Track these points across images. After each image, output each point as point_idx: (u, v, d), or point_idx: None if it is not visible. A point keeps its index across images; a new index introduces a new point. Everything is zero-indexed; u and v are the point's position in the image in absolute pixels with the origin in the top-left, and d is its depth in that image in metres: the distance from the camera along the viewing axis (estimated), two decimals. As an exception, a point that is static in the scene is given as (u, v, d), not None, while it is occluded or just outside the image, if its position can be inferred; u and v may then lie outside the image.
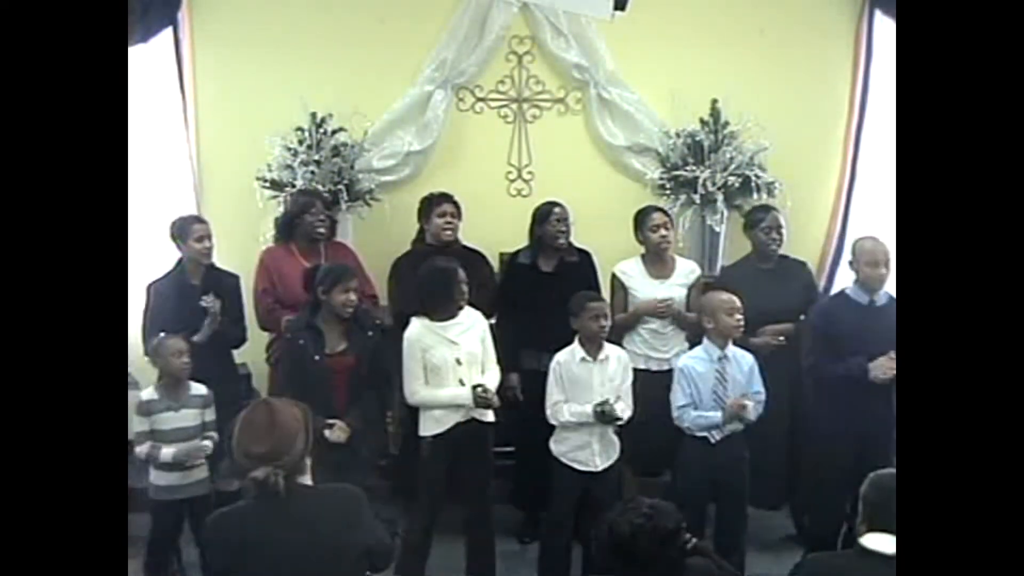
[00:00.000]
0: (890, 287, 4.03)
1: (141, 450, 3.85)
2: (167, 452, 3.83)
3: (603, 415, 3.81)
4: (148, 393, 3.91)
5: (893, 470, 2.54)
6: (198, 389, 3.96)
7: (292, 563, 2.37)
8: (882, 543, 2.45)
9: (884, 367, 3.86)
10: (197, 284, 4.27)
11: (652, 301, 4.38)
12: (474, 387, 3.81)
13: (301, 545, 2.37)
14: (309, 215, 4.39)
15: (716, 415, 3.84)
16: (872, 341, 3.88)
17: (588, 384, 3.89)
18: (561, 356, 3.94)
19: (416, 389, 3.86)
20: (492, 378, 3.94)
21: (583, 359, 3.90)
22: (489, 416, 3.91)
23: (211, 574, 2.53)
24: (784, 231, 4.48)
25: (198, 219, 4.38)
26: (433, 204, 4.50)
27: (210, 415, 3.96)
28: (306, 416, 2.52)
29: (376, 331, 3.93)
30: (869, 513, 2.53)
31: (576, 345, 3.92)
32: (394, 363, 3.93)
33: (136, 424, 3.84)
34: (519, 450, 4.49)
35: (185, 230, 4.27)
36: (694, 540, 2.64)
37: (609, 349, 3.95)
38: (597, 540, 2.53)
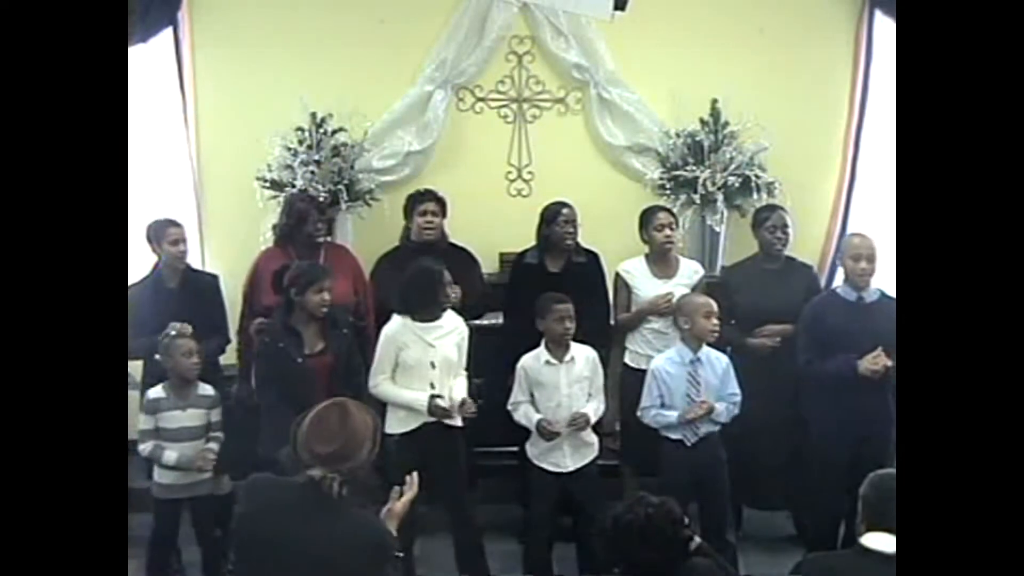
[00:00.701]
0: (880, 284, 4.06)
1: (144, 448, 3.85)
2: (170, 455, 3.84)
3: (545, 433, 3.88)
4: (155, 391, 3.92)
5: (892, 470, 2.55)
6: (205, 389, 3.96)
7: (299, 561, 2.33)
8: (882, 542, 2.45)
9: (871, 362, 3.86)
10: (174, 287, 4.26)
11: (655, 299, 4.39)
12: (431, 396, 3.81)
13: (312, 549, 2.33)
14: (307, 225, 4.33)
15: (672, 414, 3.89)
16: (861, 338, 3.91)
17: (555, 385, 3.93)
18: (526, 360, 3.98)
19: (379, 382, 3.88)
20: (459, 386, 3.93)
21: (547, 361, 3.94)
22: (456, 420, 3.89)
23: (230, 530, 2.49)
24: (790, 230, 4.48)
25: (173, 222, 4.34)
26: (415, 202, 4.50)
27: (216, 415, 3.97)
28: (376, 425, 2.48)
29: (350, 328, 3.94)
30: (869, 513, 2.54)
31: (542, 348, 3.96)
32: (356, 358, 3.95)
33: (141, 422, 3.85)
34: (522, 450, 4.48)
35: (160, 233, 4.24)
36: (697, 539, 2.66)
37: (576, 349, 3.97)
38: (603, 534, 2.54)
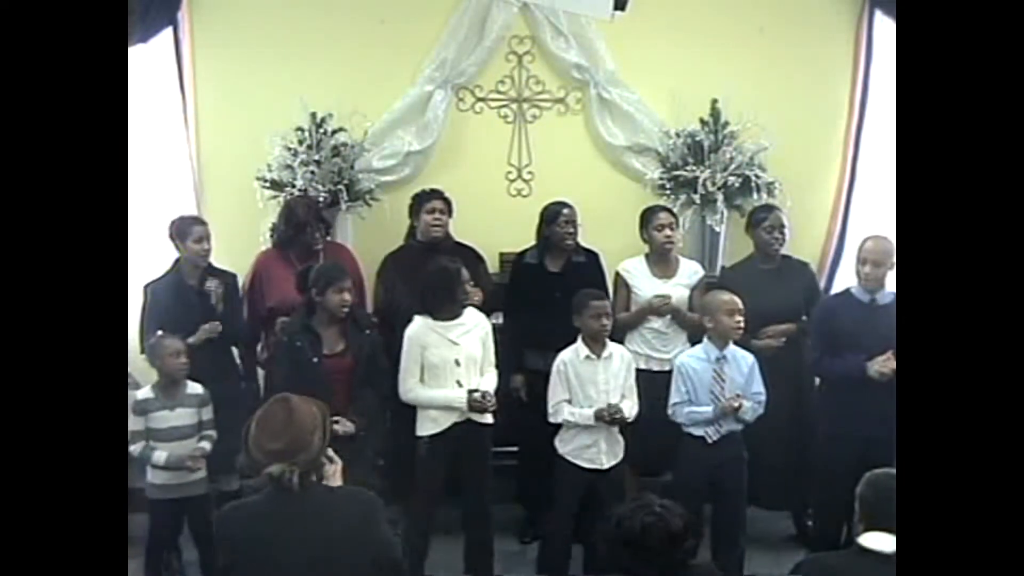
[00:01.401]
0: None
1: (134, 449, 3.86)
2: (159, 455, 3.85)
3: (607, 418, 3.85)
4: (144, 392, 3.93)
5: (889, 470, 2.55)
6: (194, 388, 3.96)
7: (297, 562, 2.36)
8: (880, 542, 2.45)
9: (882, 365, 3.86)
10: (194, 285, 4.26)
11: (652, 299, 4.38)
12: (470, 391, 3.82)
13: (307, 545, 2.36)
14: (305, 235, 4.33)
15: (708, 409, 3.88)
16: (871, 339, 3.89)
17: (593, 381, 3.92)
18: (565, 355, 3.96)
19: (411, 387, 3.87)
20: (490, 382, 3.95)
21: (587, 357, 3.93)
22: (487, 418, 3.91)
23: (219, 568, 2.52)
24: (787, 230, 4.49)
25: (198, 220, 4.37)
26: (422, 201, 4.50)
27: (207, 414, 3.97)
28: (324, 414, 2.53)
29: (374, 330, 3.94)
30: (866, 512, 2.54)
31: (580, 343, 3.95)
32: (381, 359, 3.94)
33: (132, 423, 3.85)
34: (523, 450, 4.49)
35: (185, 231, 4.25)
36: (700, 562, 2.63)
37: (612, 347, 3.98)
38: (603, 534, 2.53)
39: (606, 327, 3.92)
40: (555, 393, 3.96)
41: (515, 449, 4.46)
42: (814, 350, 4.13)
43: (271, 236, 4.53)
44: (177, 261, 4.30)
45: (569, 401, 3.94)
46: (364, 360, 3.84)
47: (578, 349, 3.95)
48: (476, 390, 3.82)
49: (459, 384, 3.85)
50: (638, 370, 4.33)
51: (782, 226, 4.47)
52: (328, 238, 4.55)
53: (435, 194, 4.51)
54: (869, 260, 3.97)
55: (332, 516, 2.42)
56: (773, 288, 4.39)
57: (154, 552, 3.98)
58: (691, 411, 3.91)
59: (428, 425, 3.88)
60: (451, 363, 3.85)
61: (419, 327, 3.87)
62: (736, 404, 3.84)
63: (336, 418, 3.64)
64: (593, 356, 3.93)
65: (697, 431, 3.92)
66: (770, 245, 4.47)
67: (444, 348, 3.85)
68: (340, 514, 2.43)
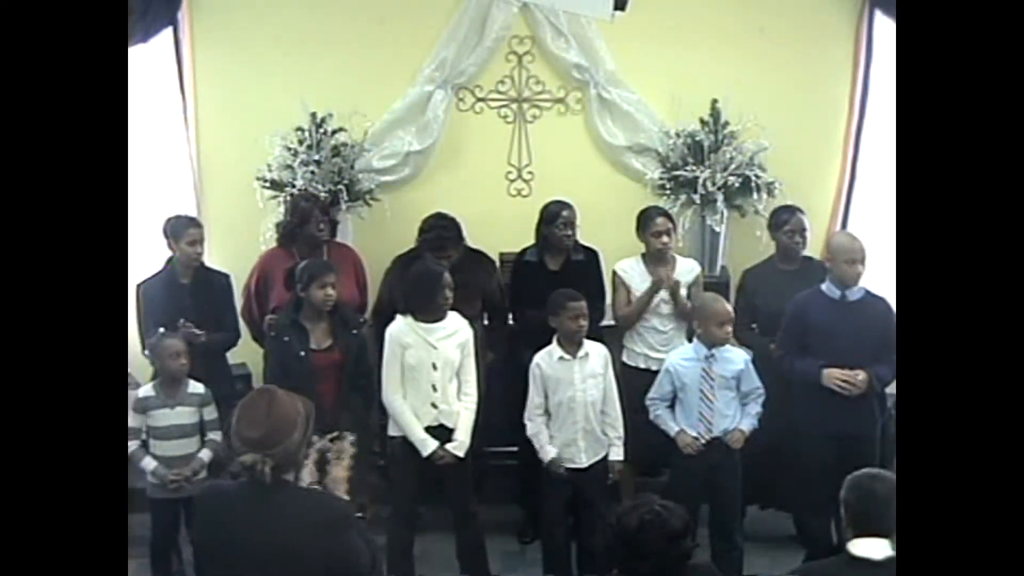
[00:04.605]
0: (868, 283, 4.06)
1: (130, 446, 3.85)
2: (148, 462, 3.88)
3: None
4: (145, 390, 3.95)
5: (871, 471, 2.56)
6: (196, 388, 3.97)
7: (259, 553, 2.37)
8: (871, 549, 2.44)
9: (833, 378, 3.91)
10: (187, 283, 4.28)
11: (659, 280, 4.38)
12: (440, 446, 3.84)
13: (269, 540, 2.36)
14: (309, 224, 4.35)
15: (673, 426, 3.98)
16: (842, 336, 3.92)
17: (569, 382, 3.94)
18: (540, 356, 3.99)
19: (392, 393, 3.88)
20: (468, 406, 3.94)
21: (561, 358, 3.95)
22: (459, 452, 3.91)
23: (194, 542, 2.54)
24: (808, 233, 4.49)
25: (193, 222, 4.37)
26: (429, 237, 4.32)
27: (210, 414, 3.98)
28: (308, 411, 2.51)
29: (361, 329, 3.96)
30: (851, 517, 2.52)
31: (555, 344, 3.97)
32: (375, 359, 3.97)
33: (131, 420, 3.86)
34: (522, 450, 4.49)
35: (179, 231, 4.26)
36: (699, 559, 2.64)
37: (589, 346, 3.98)
38: (605, 533, 2.55)
39: (583, 328, 3.93)
40: (531, 395, 4.00)
41: (515, 449, 4.45)
42: (780, 348, 4.14)
43: (277, 232, 4.53)
44: (170, 260, 4.32)
45: (546, 401, 3.95)
46: (351, 358, 3.87)
47: (552, 350, 3.97)
48: (444, 449, 3.84)
49: (434, 388, 3.85)
50: (637, 369, 4.34)
51: (803, 229, 4.48)
52: (334, 236, 4.55)
53: (444, 235, 4.30)
54: (859, 260, 3.96)
55: (297, 518, 2.40)
56: (792, 290, 4.37)
57: (160, 552, 3.99)
58: (658, 416, 4.02)
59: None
60: (428, 366, 3.86)
61: (400, 327, 3.89)
62: (692, 443, 3.93)
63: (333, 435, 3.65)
64: (567, 357, 3.94)
65: (691, 431, 3.97)
66: (791, 248, 4.48)
67: (422, 350, 3.86)
68: (305, 517, 2.41)
